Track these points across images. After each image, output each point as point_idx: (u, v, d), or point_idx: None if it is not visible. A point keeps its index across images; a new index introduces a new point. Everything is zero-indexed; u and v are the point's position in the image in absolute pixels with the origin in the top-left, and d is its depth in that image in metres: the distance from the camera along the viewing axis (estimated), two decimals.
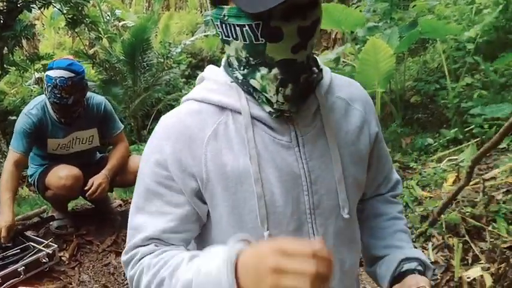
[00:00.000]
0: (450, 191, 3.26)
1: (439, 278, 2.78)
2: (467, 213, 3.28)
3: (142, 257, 0.98)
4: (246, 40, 0.87)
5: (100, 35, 7.48)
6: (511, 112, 4.22)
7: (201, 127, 0.96)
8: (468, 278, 2.63)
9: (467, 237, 3.01)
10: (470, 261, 2.85)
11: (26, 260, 2.49)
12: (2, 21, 4.76)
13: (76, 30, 6.62)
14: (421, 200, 3.85)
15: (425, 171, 4.44)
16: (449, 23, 5.41)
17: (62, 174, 2.97)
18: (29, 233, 2.83)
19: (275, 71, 0.89)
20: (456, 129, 4.84)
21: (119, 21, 9.98)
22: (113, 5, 9.91)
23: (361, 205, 1.24)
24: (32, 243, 2.66)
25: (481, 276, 2.64)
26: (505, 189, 3.50)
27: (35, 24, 8.98)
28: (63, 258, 2.73)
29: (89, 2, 6.12)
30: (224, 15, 0.87)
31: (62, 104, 2.83)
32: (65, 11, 5.56)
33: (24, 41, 6.94)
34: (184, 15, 13.27)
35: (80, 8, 5.61)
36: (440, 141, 4.92)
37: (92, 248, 2.77)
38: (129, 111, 7.57)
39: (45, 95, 2.88)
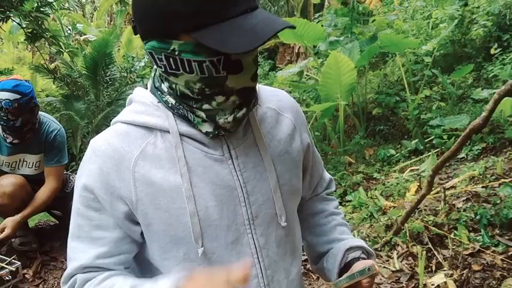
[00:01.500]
0: (412, 200, 3.34)
1: (404, 285, 2.83)
2: (429, 222, 3.36)
3: (83, 285, 0.98)
4: (205, 74, 0.86)
5: (61, 49, 7.34)
6: (468, 123, 4.37)
7: (128, 149, 0.95)
8: (432, 284, 2.70)
9: (430, 245, 3.09)
10: (434, 269, 2.92)
11: None
12: None
13: (36, 45, 6.51)
14: (385, 210, 3.93)
15: (388, 182, 4.54)
16: (407, 37, 5.60)
17: (2, 182, 2.90)
18: None
19: (233, 98, 0.90)
20: (417, 140, 4.98)
21: (81, 35, 9.85)
22: (74, 19, 9.77)
23: (300, 207, 1.25)
24: None
25: (445, 282, 2.71)
26: (464, 198, 3.61)
27: None
28: (26, 275, 2.65)
29: (49, 16, 6.03)
30: (174, 50, 0.85)
31: (10, 126, 2.75)
32: (24, 25, 5.45)
33: None
34: None
35: (39, 22, 5.52)
36: (402, 152, 5.04)
37: (56, 265, 2.69)
38: (92, 126, 7.43)
39: None
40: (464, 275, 2.71)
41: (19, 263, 2.58)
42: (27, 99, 2.71)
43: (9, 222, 2.80)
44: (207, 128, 0.94)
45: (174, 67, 0.88)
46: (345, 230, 1.24)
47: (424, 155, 4.81)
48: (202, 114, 0.93)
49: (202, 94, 0.90)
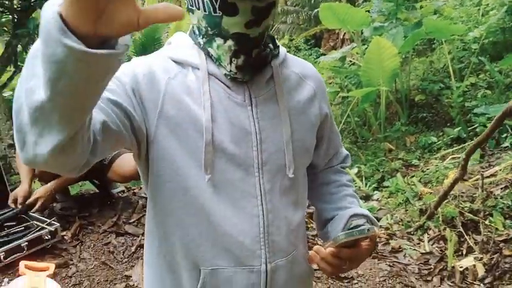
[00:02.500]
0: (446, 185, 3.31)
1: (432, 267, 2.83)
2: (465, 208, 3.32)
3: None
4: (206, 11, 0.94)
5: None
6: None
7: (164, 70, 1.01)
8: (461, 267, 2.68)
9: (462, 230, 3.05)
10: (464, 253, 2.90)
11: (29, 237, 2.59)
12: (16, 19, 4.89)
13: None
14: (421, 196, 3.90)
15: (427, 169, 4.49)
16: (455, 24, 5.45)
17: None
18: (33, 213, 2.95)
19: (229, 42, 0.96)
20: (460, 128, 4.88)
21: None
22: None
23: (314, 176, 1.32)
24: (36, 222, 2.77)
25: (474, 266, 2.69)
26: (503, 185, 3.53)
27: None
28: (65, 237, 2.82)
29: None
30: None
31: None
32: None
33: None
34: None
35: None
36: (444, 139, 4.95)
37: (93, 229, 2.85)
38: None
39: None
40: (495, 259, 2.67)
41: (58, 224, 2.75)
42: None
43: (40, 190, 3.00)
44: (224, 70, 1.01)
45: (191, 3, 0.98)
46: (354, 201, 1.27)
47: (466, 143, 4.71)
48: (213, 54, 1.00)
49: (207, 34, 0.99)
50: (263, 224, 1.07)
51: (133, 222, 2.96)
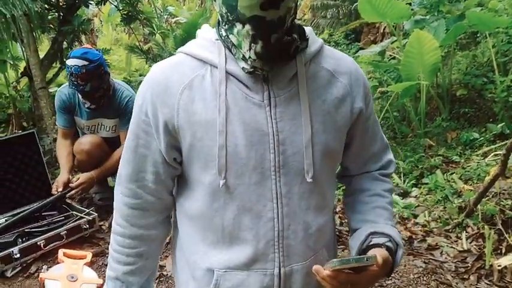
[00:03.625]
0: (486, 182, 3.22)
1: (470, 265, 2.76)
2: (506, 205, 3.22)
3: (119, 218, 1.22)
4: None
5: (153, 31, 7.74)
6: None
7: (178, 78, 1.03)
8: (499, 265, 2.62)
9: (501, 228, 2.97)
10: (504, 251, 2.82)
11: (68, 226, 2.71)
12: (61, 17, 5.06)
13: (131, 26, 6.90)
14: (461, 193, 3.81)
15: (468, 166, 4.37)
16: (499, 16, 5.26)
17: (81, 140, 3.23)
18: (73, 203, 3.07)
19: (247, 27, 0.94)
20: (503, 123, 4.72)
21: (172, 18, 10.30)
22: (166, 2, 10.23)
23: (350, 180, 1.28)
24: (75, 212, 2.89)
25: None
26: None
27: (92, 20, 9.39)
28: (103, 227, 2.92)
29: None
30: None
31: (80, 91, 3.01)
32: (120, 8, 5.80)
33: (83, 37, 7.29)
34: None
35: (134, 4, 5.85)
36: (487, 136, 4.80)
37: None
38: None
39: None
40: None
41: (96, 214, 2.85)
42: (95, 66, 2.95)
43: (83, 176, 3.12)
44: (243, 63, 1.00)
45: None
46: (383, 214, 1.20)
47: (510, 140, 4.54)
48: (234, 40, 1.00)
49: (228, 20, 0.98)
50: (278, 228, 1.06)
51: None
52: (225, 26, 1.02)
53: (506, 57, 5.35)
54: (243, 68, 1.01)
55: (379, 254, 1.04)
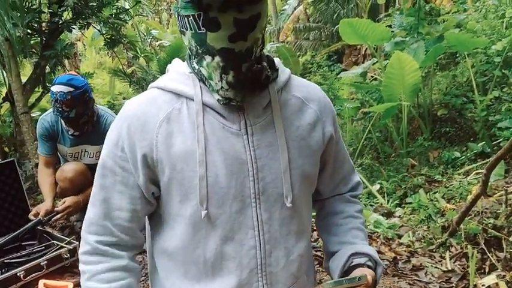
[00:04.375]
0: (468, 201, 3.26)
1: (454, 285, 2.77)
2: (489, 224, 3.25)
3: (92, 253, 1.10)
4: (192, 30, 0.96)
5: (137, 55, 7.78)
6: None
7: (155, 112, 1.04)
8: (483, 285, 2.62)
9: (484, 247, 2.99)
10: (487, 270, 2.83)
11: (49, 255, 2.65)
12: (44, 41, 5.05)
13: (115, 50, 6.91)
14: (444, 212, 3.84)
15: (451, 184, 4.42)
16: (477, 37, 5.39)
17: (64, 168, 3.18)
18: (54, 232, 3.02)
19: (217, 59, 0.97)
20: (484, 142, 4.80)
21: (156, 41, 10.36)
22: (150, 26, 10.30)
23: (322, 203, 1.31)
24: (56, 241, 2.84)
25: (496, 284, 2.62)
26: None
27: (75, 44, 9.41)
28: None
29: (126, 22, 6.41)
30: (178, 8, 0.97)
31: (65, 117, 2.99)
32: (104, 32, 5.81)
33: (66, 61, 7.28)
34: None
35: (118, 28, 5.87)
36: (468, 154, 4.87)
37: None
38: None
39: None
40: None
41: (77, 243, 2.80)
42: (81, 92, 2.93)
43: (69, 199, 3.08)
44: (217, 95, 1.02)
45: (181, 25, 1.00)
46: (359, 235, 1.23)
47: (491, 158, 4.61)
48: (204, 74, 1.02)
49: (197, 53, 1.00)
50: (260, 256, 1.07)
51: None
52: (195, 59, 1.03)
53: (485, 77, 5.47)
54: (218, 100, 1.02)
55: (368, 273, 1.07)
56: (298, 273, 1.15)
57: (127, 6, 6.55)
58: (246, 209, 1.05)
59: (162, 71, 7.89)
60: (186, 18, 0.96)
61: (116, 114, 3.29)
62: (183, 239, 1.08)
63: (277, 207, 1.07)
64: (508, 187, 3.79)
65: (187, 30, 0.98)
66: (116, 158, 1.07)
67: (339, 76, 7.33)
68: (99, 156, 3.18)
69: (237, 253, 1.06)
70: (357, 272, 1.11)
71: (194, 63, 1.04)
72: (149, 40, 9.44)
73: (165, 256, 1.15)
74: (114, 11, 5.78)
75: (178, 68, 1.11)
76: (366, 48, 7.95)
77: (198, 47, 0.99)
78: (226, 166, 1.02)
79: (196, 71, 1.05)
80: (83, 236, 1.13)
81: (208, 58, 0.98)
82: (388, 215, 4.12)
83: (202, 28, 0.95)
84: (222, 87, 1.00)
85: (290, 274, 1.12)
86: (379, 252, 3.15)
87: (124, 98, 8.90)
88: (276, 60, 1.13)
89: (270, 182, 1.05)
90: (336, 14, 10.30)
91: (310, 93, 1.15)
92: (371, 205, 4.40)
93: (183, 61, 1.13)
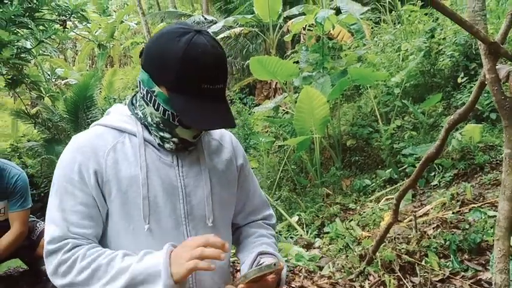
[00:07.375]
0: (381, 230, 3.39)
1: None
2: (402, 250, 3.41)
3: (75, 247, 1.21)
4: (165, 116, 1.20)
5: (41, 94, 7.40)
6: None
7: (103, 144, 1.25)
8: None
9: (399, 274, 3.12)
10: None
11: None
12: None
13: (17, 90, 6.55)
14: (360, 240, 3.97)
15: (364, 212, 4.60)
16: (378, 70, 5.76)
17: None
18: None
19: (175, 139, 1.25)
20: (391, 169, 5.07)
21: (62, 80, 9.96)
22: (55, 64, 9.89)
23: (239, 230, 1.55)
24: None
25: None
26: (435, 224, 3.67)
27: None
28: None
29: (29, 62, 6.11)
30: (154, 91, 1.19)
31: None
32: (4, 72, 5.50)
33: None
34: (129, 70, 13.43)
35: (19, 68, 5.58)
36: (377, 181, 5.12)
37: None
38: None
39: None
40: None
41: None
42: None
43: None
44: (158, 141, 1.27)
45: (148, 100, 1.23)
46: (271, 246, 1.46)
47: (398, 184, 4.89)
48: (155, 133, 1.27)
49: (157, 125, 1.25)
50: None
51: None
52: (141, 111, 1.27)
53: (387, 107, 5.82)
54: (158, 144, 1.28)
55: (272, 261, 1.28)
56: (219, 281, 1.36)
57: (29, 46, 6.25)
58: (179, 226, 1.27)
59: (70, 111, 7.59)
60: (160, 105, 1.20)
61: (18, 165, 3.09)
62: (127, 249, 1.23)
63: (201, 226, 1.31)
64: (416, 211, 4.02)
65: (156, 110, 1.22)
66: (74, 182, 1.22)
67: (252, 111, 7.48)
68: (4, 213, 2.93)
69: None
70: (270, 260, 1.32)
71: (139, 111, 1.28)
72: (54, 79, 9.05)
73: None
74: (15, 50, 5.51)
75: (120, 110, 1.33)
76: (276, 83, 8.20)
77: (161, 125, 1.24)
78: (163, 189, 1.26)
79: (139, 117, 1.28)
80: (47, 254, 1.24)
81: (167, 135, 1.25)
82: (308, 246, 4.19)
83: (176, 123, 1.21)
84: (171, 147, 1.27)
85: (214, 282, 1.34)
86: (302, 287, 3.19)
87: (29, 140, 8.42)
88: None
89: (196, 204, 1.30)
90: (245, 50, 10.60)
91: (224, 136, 1.47)
92: (291, 237, 4.46)
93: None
